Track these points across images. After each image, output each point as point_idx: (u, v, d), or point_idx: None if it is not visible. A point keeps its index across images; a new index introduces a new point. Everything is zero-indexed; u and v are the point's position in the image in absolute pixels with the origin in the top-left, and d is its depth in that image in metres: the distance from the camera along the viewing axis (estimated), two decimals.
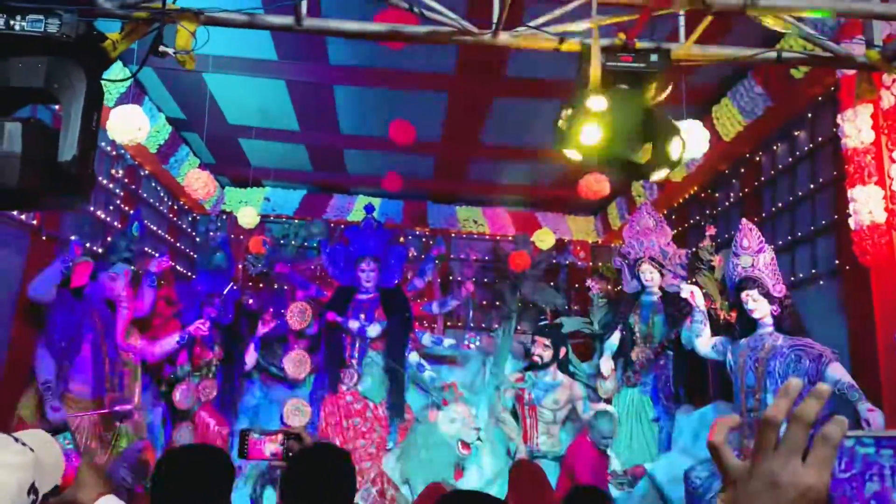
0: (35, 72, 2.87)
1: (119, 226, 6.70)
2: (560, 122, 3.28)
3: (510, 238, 9.45)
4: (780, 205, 6.11)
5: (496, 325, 8.26)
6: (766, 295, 4.99)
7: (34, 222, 5.59)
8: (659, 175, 3.38)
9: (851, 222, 4.64)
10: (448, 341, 7.17)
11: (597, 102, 3.06)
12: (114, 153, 6.77)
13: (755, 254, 5.12)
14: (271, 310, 7.21)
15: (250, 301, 7.33)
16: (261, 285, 8.64)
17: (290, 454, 2.40)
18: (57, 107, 4.76)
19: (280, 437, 2.41)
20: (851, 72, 4.26)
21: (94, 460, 5.15)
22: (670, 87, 3.40)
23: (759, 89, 5.71)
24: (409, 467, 6.39)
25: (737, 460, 0.86)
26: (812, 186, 5.62)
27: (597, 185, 6.66)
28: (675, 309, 6.36)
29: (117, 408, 5.53)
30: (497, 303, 8.70)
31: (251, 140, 7.83)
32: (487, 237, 9.72)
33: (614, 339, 6.79)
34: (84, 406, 5.46)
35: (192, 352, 6.56)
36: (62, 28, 2.86)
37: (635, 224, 6.88)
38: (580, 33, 3.32)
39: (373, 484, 6.40)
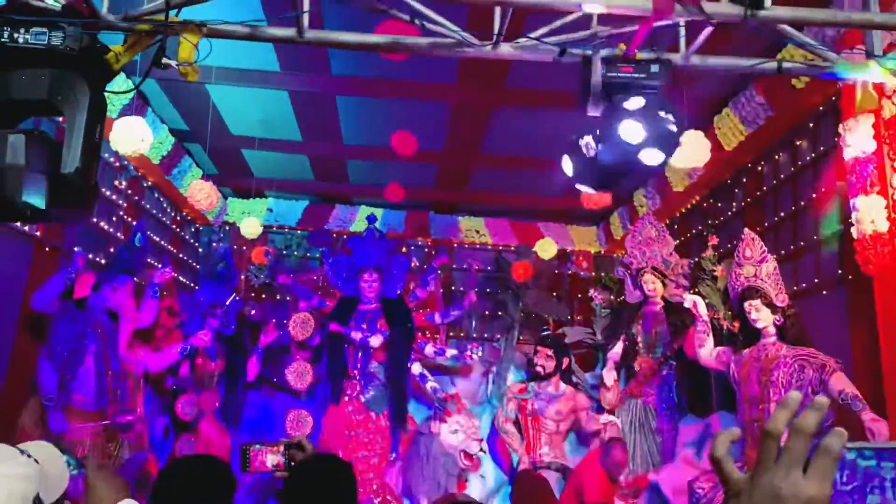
0: (38, 84, 2.88)
1: (122, 237, 6.71)
2: None
3: (512, 248, 9.45)
4: (782, 214, 6.11)
5: (499, 336, 8.25)
6: (769, 305, 4.98)
7: (37, 233, 5.60)
8: None
9: (854, 232, 4.64)
10: (450, 352, 7.15)
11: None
12: (117, 164, 6.79)
13: (758, 263, 5.11)
14: (274, 320, 7.21)
15: (253, 312, 7.32)
16: (263, 296, 8.64)
17: (293, 463, 2.38)
18: (61, 118, 4.78)
19: (281, 447, 2.40)
20: (852, 81, 4.27)
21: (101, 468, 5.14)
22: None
23: (761, 99, 5.71)
24: (411, 478, 6.37)
25: (739, 473, 0.87)
26: (814, 196, 5.62)
27: (599, 195, 6.66)
28: (678, 319, 6.34)
29: (119, 419, 5.52)
30: (499, 313, 8.69)
31: (254, 151, 7.85)
32: (490, 247, 9.72)
33: (617, 350, 6.78)
34: (86, 417, 5.45)
35: (194, 363, 6.55)
36: (66, 41, 2.88)
37: (637, 234, 6.87)
38: (580, 44, 3.33)
39: (375, 495, 6.38)
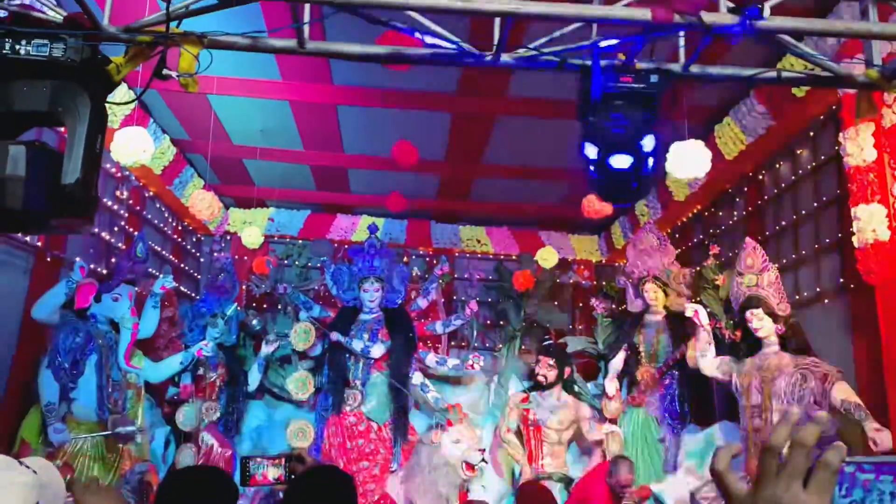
0: (39, 95, 2.89)
1: (123, 247, 6.72)
2: None
3: (514, 257, 9.45)
4: (783, 223, 6.11)
5: (500, 345, 8.23)
6: (771, 314, 4.98)
7: (39, 243, 5.61)
8: None
9: (855, 241, 4.63)
10: (452, 361, 7.13)
11: None
12: (119, 174, 6.81)
13: (759, 272, 5.11)
14: (275, 330, 7.20)
15: (254, 322, 7.31)
16: (265, 306, 8.64)
17: (293, 476, 2.38)
18: (62, 129, 4.79)
19: (282, 460, 2.40)
20: (853, 90, 4.28)
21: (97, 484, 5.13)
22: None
23: (762, 108, 5.72)
24: (412, 489, 6.34)
25: (740, 485, 0.89)
26: (815, 205, 5.62)
27: (600, 204, 6.66)
28: (680, 328, 6.33)
29: (120, 429, 5.50)
30: (501, 322, 8.67)
31: (255, 160, 7.87)
32: (491, 256, 9.72)
33: (619, 359, 6.77)
34: (87, 428, 5.44)
35: (195, 373, 6.53)
36: (67, 52, 2.89)
37: (639, 243, 6.88)
38: (580, 54, 3.34)
39: None
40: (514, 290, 8.26)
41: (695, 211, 7.77)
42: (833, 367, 4.68)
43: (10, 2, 3.02)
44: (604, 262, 9.86)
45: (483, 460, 6.17)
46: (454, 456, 6.13)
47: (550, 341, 7.35)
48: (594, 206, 6.70)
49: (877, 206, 4.50)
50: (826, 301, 5.41)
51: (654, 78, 3.21)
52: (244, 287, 8.56)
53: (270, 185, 8.69)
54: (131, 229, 7.01)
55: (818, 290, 5.53)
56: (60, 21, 3.09)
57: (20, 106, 2.92)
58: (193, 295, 8.58)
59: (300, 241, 9.25)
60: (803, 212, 5.81)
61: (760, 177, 6.50)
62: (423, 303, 7.38)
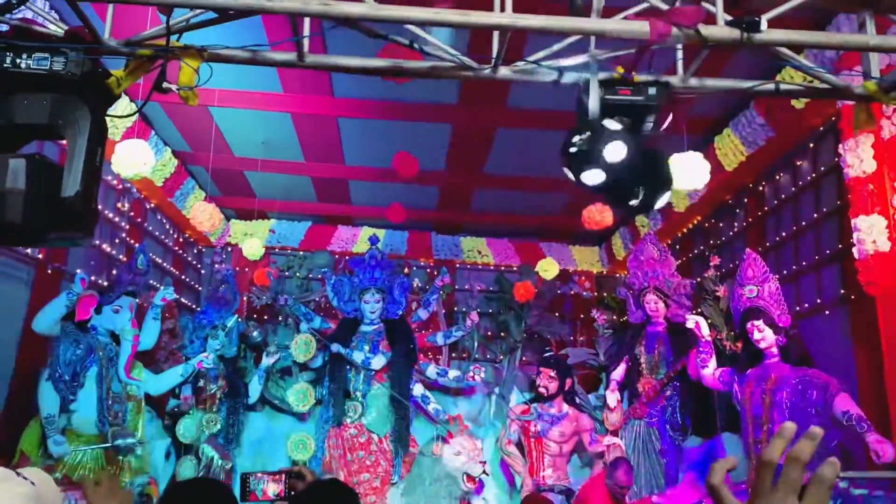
0: (40, 108, 2.90)
1: (124, 259, 6.73)
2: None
3: (514, 268, 9.45)
4: (783, 234, 6.11)
5: (501, 357, 8.22)
6: (772, 325, 4.97)
7: (39, 256, 5.62)
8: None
9: (856, 252, 4.63)
10: (453, 373, 7.12)
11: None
12: (120, 186, 6.82)
13: (760, 284, 5.11)
14: (276, 342, 7.19)
15: (255, 333, 7.31)
16: (265, 317, 8.63)
17: (293, 493, 2.37)
18: (63, 142, 4.81)
19: (282, 476, 2.39)
20: (852, 102, 4.29)
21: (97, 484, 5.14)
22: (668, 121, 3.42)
23: (761, 119, 5.74)
24: (413, 501, 6.31)
25: (735, 500, 0.89)
26: (816, 216, 5.62)
27: (600, 215, 6.67)
28: (681, 339, 6.32)
29: (120, 441, 5.49)
30: (502, 334, 8.66)
31: (256, 172, 7.89)
32: (492, 267, 9.72)
33: (620, 371, 6.75)
34: (87, 440, 5.43)
35: (195, 385, 6.52)
36: (67, 66, 2.90)
37: (639, 254, 6.87)
38: (579, 67, 3.35)
39: None
40: (515, 302, 8.25)
41: (695, 222, 7.78)
42: (834, 378, 4.67)
43: (12, 16, 3.04)
44: (605, 273, 9.85)
45: (484, 472, 6.15)
46: (455, 468, 6.11)
47: (551, 353, 7.34)
48: (595, 217, 6.71)
49: (877, 217, 4.50)
50: (827, 312, 5.41)
51: (652, 90, 3.21)
52: (245, 299, 8.57)
53: (271, 197, 8.71)
54: (132, 241, 7.01)
55: (819, 300, 5.53)
56: (61, 35, 3.11)
57: (21, 119, 2.93)
58: (194, 307, 8.58)
59: (301, 253, 9.27)
60: (804, 223, 5.81)
61: (761, 188, 6.50)
62: (423, 314, 7.37)
